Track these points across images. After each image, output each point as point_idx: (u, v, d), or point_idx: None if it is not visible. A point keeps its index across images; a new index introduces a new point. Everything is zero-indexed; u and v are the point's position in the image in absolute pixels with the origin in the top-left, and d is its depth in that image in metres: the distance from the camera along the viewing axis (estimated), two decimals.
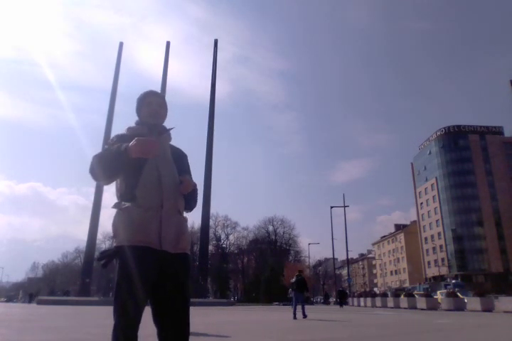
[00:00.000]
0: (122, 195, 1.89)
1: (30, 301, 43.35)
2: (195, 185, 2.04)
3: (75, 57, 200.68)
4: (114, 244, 1.85)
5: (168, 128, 2.12)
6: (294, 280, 13.98)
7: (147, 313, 1.78)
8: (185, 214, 2.07)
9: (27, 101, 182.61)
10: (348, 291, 59.42)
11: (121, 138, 1.98)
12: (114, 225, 1.87)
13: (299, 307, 12.53)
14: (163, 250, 1.80)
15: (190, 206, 2.10)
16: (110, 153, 1.81)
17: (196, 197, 2.13)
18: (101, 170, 1.82)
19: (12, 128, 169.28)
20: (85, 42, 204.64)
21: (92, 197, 42.91)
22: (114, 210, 1.91)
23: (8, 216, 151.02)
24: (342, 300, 30.61)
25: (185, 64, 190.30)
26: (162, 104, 2.13)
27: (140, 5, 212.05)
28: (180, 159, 2.09)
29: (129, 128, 2.06)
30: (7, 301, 57.61)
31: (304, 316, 12.50)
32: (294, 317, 12.25)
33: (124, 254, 1.77)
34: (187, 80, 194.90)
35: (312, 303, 37.30)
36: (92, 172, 1.85)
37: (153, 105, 2.09)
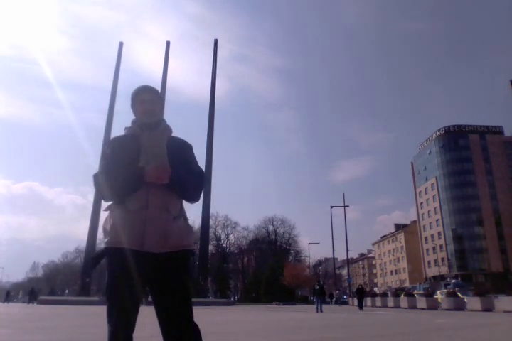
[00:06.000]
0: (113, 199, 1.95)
1: (5, 300, 42.54)
2: (176, 172, 1.89)
3: (71, 54, 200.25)
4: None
5: (158, 122, 2.07)
6: (317, 287, 21.50)
7: (146, 315, 1.78)
8: (187, 208, 2.03)
9: (23, 99, 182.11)
10: (348, 291, 59.51)
11: (114, 144, 2.02)
12: (102, 227, 1.92)
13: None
14: (146, 251, 1.79)
15: (184, 195, 1.98)
16: (126, 179, 1.84)
17: (190, 183, 1.97)
18: (117, 193, 1.89)
19: (8, 126, 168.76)
20: (81, 40, 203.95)
21: (89, 196, 43.01)
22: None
23: (7, 216, 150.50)
24: (361, 300, 24.72)
25: (182, 61, 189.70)
26: (155, 101, 2.08)
27: (136, 2, 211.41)
28: (177, 151, 2.00)
29: (125, 129, 2.08)
30: (3, 301, 57.67)
31: (321, 311, 18.75)
32: (317, 311, 18.73)
33: (109, 256, 1.84)
34: (184, 78, 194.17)
35: (327, 303, 36.69)
36: (108, 196, 1.93)
37: (145, 103, 2.04)
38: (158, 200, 1.88)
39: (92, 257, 1.90)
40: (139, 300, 1.83)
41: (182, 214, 1.98)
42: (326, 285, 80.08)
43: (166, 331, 1.82)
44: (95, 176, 1.94)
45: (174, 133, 2.16)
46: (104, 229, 1.89)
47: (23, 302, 47.96)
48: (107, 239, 1.86)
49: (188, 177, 1.96)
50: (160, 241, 1.82)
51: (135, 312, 1.80)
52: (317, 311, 18.90)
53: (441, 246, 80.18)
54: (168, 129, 2.10)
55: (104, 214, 1.99)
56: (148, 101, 2.05)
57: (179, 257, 1.89)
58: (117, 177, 1.85)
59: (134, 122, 2.08)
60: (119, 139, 2.04)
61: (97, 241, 42.55)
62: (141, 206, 1.85)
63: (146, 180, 1.83)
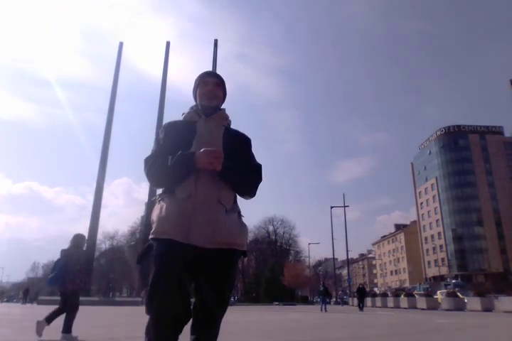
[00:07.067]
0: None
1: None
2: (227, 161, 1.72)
3: (71, 54, 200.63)
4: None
5: (216, 108, 1.95)
6: (321, 288, 23.93)
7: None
8: (243, 204, 1.90)
9: (23, 99, 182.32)
10: (348, 291, 59.49)
11: (168, 129, 1.90)
12: (151, 217, 1.76)
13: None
14: (191, 244, 1.61)
15: (238, 187, 1.83)
16: (175, 164, 1.70)
17: (245, 176, 1.84)
18: (165, 179, 1.76)
19: (8, 126, 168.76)
20: (81, 40, 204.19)
21: (89, 196, 42.99)
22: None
23: (6, 216, 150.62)
24: (362, 300, 24.03)
25: (181, 60, 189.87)
26: (218, 85, 1.99)
27: (136, 1, 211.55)
28: (233, 142, 1.89)
29: (182, 114, 1.98)
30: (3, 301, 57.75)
31: (325, 310, 19.72)
32: (321, 310, 19.85)
33: (153, 248, 1.67)
34: (184, 77, 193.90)
35: (327, 303, 36.71)
36: (156, 182, 1.81)
37: (208, 85, 1.96)
38: (209, 189, 1.71)
39: (139, 254, 1.73)
40: (185, 297, 1.62)
41: (236, 209, 1.83)
42: (326, 286, 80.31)
43: (192, 329, 1.74)
44: (146, 160, 1.82)
45: None
46: (152, 220, 1.74)
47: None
48: (152, 230, 1.69)
49: (243, 169, 1.82)
50: (208, 235, 1.64)
51: (169, 308, 1.57)
52: (321, 310, 20.07)
53: (441, 247, 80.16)
54: (225, 118, 1.98)
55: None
56: (211, 83, 1.97)
57: (227, 257, 1.70)
58: (166, 162, 1.72)
59: (192, 108, 1.99)
60: (173, 124, 1.93)
61: (97, 241, 42.57)
62: (189, 194, 1.69)
63: (197, 166, 1.69)
